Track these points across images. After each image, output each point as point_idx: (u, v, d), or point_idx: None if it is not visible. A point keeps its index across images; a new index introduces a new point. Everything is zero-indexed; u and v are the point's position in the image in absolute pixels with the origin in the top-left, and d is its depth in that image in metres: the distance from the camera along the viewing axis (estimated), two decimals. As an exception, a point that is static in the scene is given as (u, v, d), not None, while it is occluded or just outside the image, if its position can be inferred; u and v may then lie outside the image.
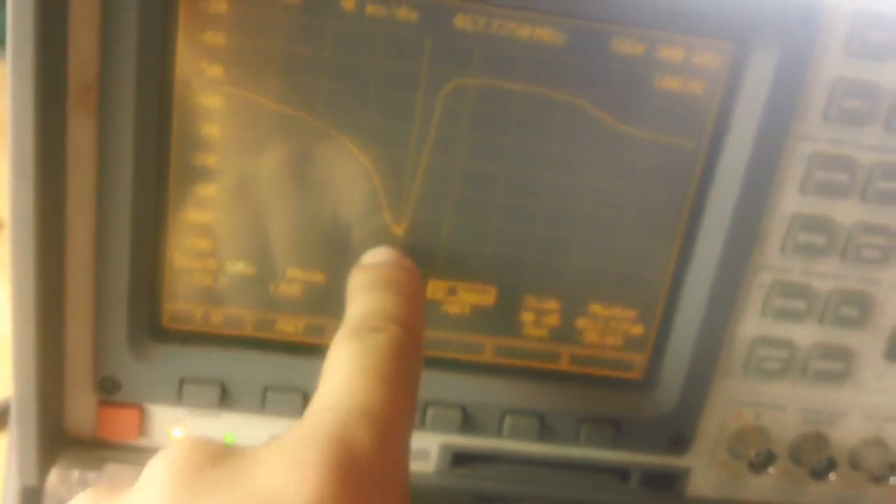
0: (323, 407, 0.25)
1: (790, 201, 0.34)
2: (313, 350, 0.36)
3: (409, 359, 0.27)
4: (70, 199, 0.33)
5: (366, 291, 0.30)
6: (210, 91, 0.32)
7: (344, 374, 0.25)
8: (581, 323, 0.37)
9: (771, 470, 0.38)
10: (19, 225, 0.31)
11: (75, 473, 0.49)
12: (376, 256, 0.33)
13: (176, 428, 0.37)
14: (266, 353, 0.36)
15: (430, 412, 0.36)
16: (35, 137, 0.30)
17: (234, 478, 0.22)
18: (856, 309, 0.36)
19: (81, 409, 0.36)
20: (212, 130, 0.33)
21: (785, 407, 0.38)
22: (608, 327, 0.37)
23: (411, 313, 0.29)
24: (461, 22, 0.32)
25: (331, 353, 0.27)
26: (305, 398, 0.36)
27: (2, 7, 0.33)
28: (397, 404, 0.25)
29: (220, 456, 0.23)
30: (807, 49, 0.32)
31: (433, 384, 0.36)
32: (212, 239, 0.34)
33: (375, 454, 0.23)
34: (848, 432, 0.39)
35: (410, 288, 0.31)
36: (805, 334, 0.37)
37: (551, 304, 0.36)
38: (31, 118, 0.30)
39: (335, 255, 0.35)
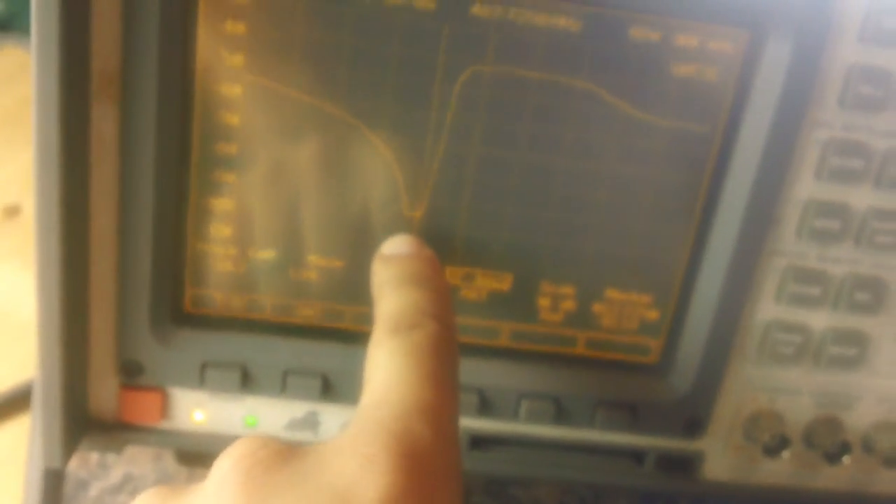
0: (377, 403, 0.25)
1: (805, 187, 0.35)
2: (332, 334, 0.37)
3: (450, 351, 0.28)
4: (94, 187, 0.33)
5: (395, 287, 0.30)
6: (231, 79, 0.33)
7: (392, 373, 0.26)
8: (597, 308, 0.37)
9: (785, 454, 0.38)
10: (45, 212, 0.32)
11: (95, 455, 0.50)
12: (398, 247, 0.33)
13: (198, 411, 0.37)
14: (286, 338, 0.36)
15: (448, 396, 0.37)
16: (60, 127, 0.31)
17: (304, 475, 0.22)
18: (870, 294, 0.36)
19: (104, 392, 0.37)
20: (232, 118, 0.33)
21: (799, 391, 0.38)
22: (624, 312, 0.37)
23: (443, 306, 0.30)
24: (478, 9, 0.32)
25: (374, 352, 0.28)
26: (325, 381, 0.36)
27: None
28: (446, 398, 0.26)
29: (286, 454, 0.23)
30: (821, 36, 0.32)
31: (450, 368, 0.37)
32: (233, 225, 0.35)
33: (434, 446, 0.24)
34: (862, 416, 0.39)
35: (436, 280, 0.31)
36: (819, 319, 0.37)
37: (567, 290, 0.37)
38: (56, 108, 0.30)
39: (354, 242, 0.36)
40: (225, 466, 0.23)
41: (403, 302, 0.29)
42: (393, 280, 0.31)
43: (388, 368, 0.26)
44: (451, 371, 0.27)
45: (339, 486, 0.22)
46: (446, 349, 0.28)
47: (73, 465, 0.49)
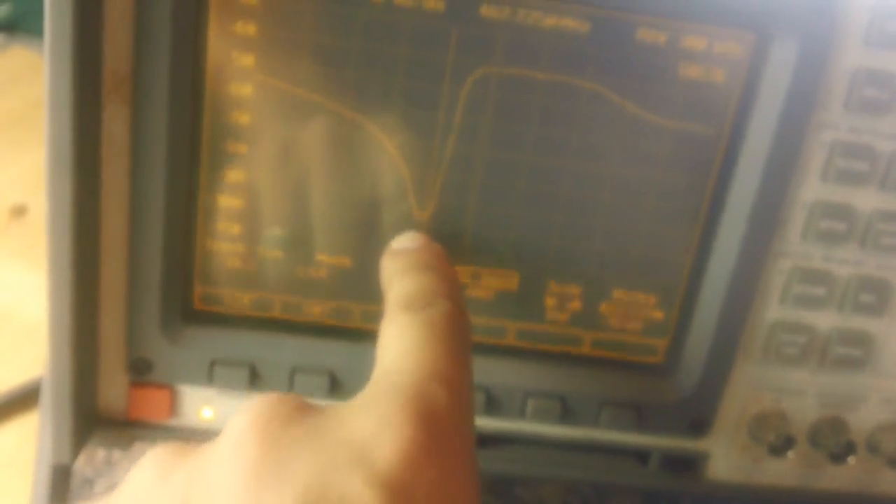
0: (394, 371, 0.25)
1: (811, 189, 0.35)
2: (340, 332, 0.37)
3: (463, 328, 0.28)
4: (105, 187, 0.34)
5: (405, 274, 0.31)
6: (241, 80, 0.33)
7: (407, 344, 0.26)
8: (603, 308, 0.37)
9: (790, 454, 0.38)
10: (57, 212, 0.32)
11: (101, 453, 0.50)
12: (406, 242, 0.34)
13: (206, 408, 0.38)
14: (294, 336, 0.37)
15: (454, 395, 0.37)
16: (72, 127, 0.31)
17: (320, 430, 0.22)
18: (875, 295, 0.36)
19: (114, 389, 0.37)
20: (243, 118, 0.34)
21: (804, 392, 0.38)
22: (630, 312, 0.38)
23: (454, 289, 0.30)
24: (487, 11, 0.33)
25: (387, 329, 0.28)
26: (332, 379, 0.36)
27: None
28: (461, 368, 0.26)
29: (302, 411, 0.23)
30: (827, 39, 0.32)
31: (457, 367, 0.37)
32: (242, 224, 0.35)
33: (450, 409, 0.24)
34: (866, 417, 0.39)
35: (446, 268, 0.32)
36: (825, 320, 0.37)
37: (574, 290, 0.37)
38: (69, 109, 0.31)
39: (362, 241, 0.36)
40: (241, 424, 0.23)
41: (415, 284, 0.29)
42: (403, 269, 0.31)
43: (402, 340, 0.26)
44: (464, 346, 0.28)
45: (356, 442, 0.22)
46: (460, 326, 0.28)
47: (79, 462, 0.49)
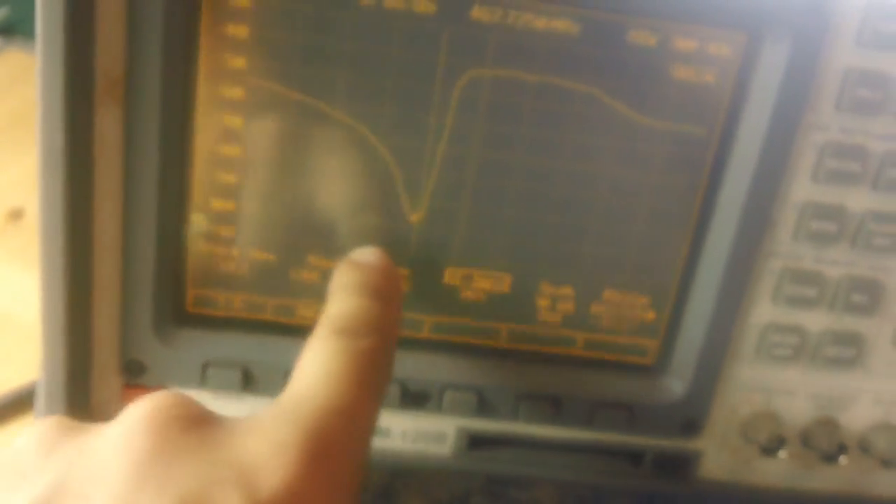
0: (304, 396, 0.25)
1: (802, 189, 0.35)
2: (333, 335, 0.37)
3: (385, 367, 0.29)
4: (97, 189, 0.34)
5: (353, 292, 0.31)
6: (233, 82, 0.33)
7: (326, 371, 0.26)
8: (595, 309, 0.38)
9: (782, 454, 0.38)
10: (49, 214, 0.32)
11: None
12: (367, 256, 0.34)
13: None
14: (287, 338, 0.37)
15: (447, 396, 0.37)
16: (64, 129, 0.31)
17: (213, 444, 0.22)
18: (866, 296, 0.36)
19: (107, 391, 0.37)
20: (235, 121, 0.34)
21: (796, 392, 0.38)
22: (622, 313, 0.38)
23: (392, 324, 0.30)
24: (478, 13, 0.33)
25: (314, 345, 0.28)
26: (325, 382, 0.37)
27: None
28: (370, 407, 0.27)
29: (200, 419, 0.23)
30: (819, 40, 0.32)
31: (450, 369, 0.37)
32: (234, 226, 0.35)
33: (347, 448, 0.24)
34: (858, 417, 0.39)
35: (394, 299, 0.32)
36: (816, 321, 0.37)
37: (566, 291, 0.37)
38: (61, 111, 0.31)
39: (354, 243, 0.36)
40: (137, 414, 0.23)
41: (356, 309, 0.30)
42: (353, 285, 0.31)
43: (323, 365, 0.27)
44: (382, 385, 0.28)
45: (244, 464, 0.22)
46: (383, 364, 0.29)
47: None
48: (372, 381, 0.27)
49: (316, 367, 0.27)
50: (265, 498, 0.21)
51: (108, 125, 0.33)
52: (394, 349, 0.30)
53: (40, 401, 0.36)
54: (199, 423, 0.23)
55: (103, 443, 0.23)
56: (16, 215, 0.67)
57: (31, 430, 0.24)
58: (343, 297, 0.31)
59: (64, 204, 0.32)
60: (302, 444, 0.23)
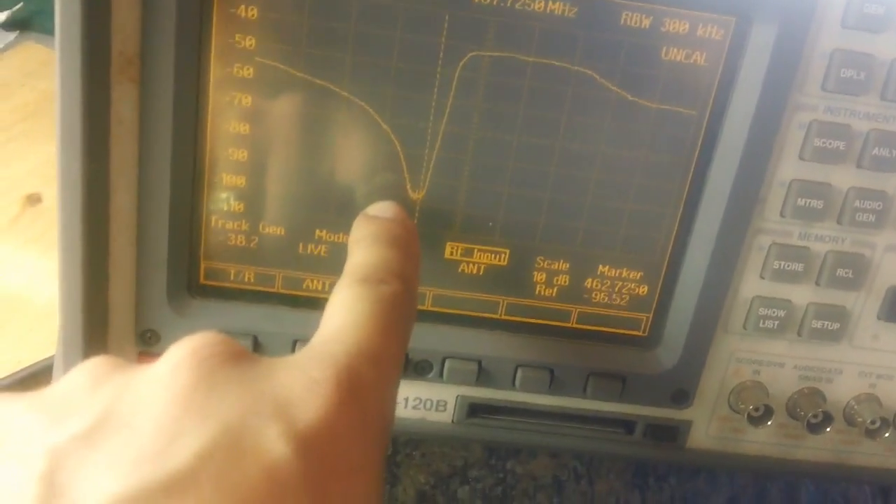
0: (334, 339, 0.27)
1: (789, 167, 0.36)
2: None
3: (408, 312, 0.30)
4: (113, 165, 0.35)
5: (372, 243, 0.32)
6: (244, 62, 0.35)
7: (353, 316, 0.28)
8: (589, 283, 0.39)
9: (769, 424, 0.39)
10: (68, 190, 0.34)
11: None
12: (382, 210, 0.35)
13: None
14: (295, 309, 0.38)
15: (448, 365, 0.39)
16: (82, 107, 0.32)
17: (251, 378, 0.24)
18: (851, 270, 0.38)
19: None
20: (245, 99, 0.35)
21: (783, 364, 0.40)
22: (615, 287, 0.39)
23: (412, 270, 0.31)
24: (478, -4, 0.34)
25: (339, 294, 0.29)
26: (331, 351, 0.38)
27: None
28: (396, 351, 0.28)
29: (239, 356, 0.24)
30: (805, 22, 0.34)
31: (451, 339, 0.39)
32: (245, 201, 0.37)
33: (375, 389, 0.25)
34: (843, 389, 0.40)
35: (411, 246, 0.33)
36: (802, 295, 0.38)
37: (561, 266, 0.39)
38: (79, 89, 0.32)
39: (359, 218, 0.37)
40: (180, 353, 0.24)
41: (377, 258, 0.31)
42: (371, 236, 0.32)
43: (350, 311, 0.28)
44: (405, 330, 0.29)
45: (280, 397, 0.23)
46: (406, 309, 0.29)
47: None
48: (396, 326, 0.28)
49: (343, 312, 0.28)
50: (301, 429, 0.22)
51: (123, 103, 0.34)
52: (416, 296, 0.31)
53: (59, 368, 0.38)
54: (238, 359, 0.24)
55: (148, 377, 0.24)
56: (34, 201, 0.69)
57: (80, 366, 0.25)
58: (363, 247, 0.32)
59: (82, 180, 0.33)
60: (334, 381, 0.24)
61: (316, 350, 0.26)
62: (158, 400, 0.23)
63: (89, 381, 0.24)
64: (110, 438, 0.22)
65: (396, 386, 0.28)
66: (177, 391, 0.23)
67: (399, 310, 0.29)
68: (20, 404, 0.24)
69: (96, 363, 0.25)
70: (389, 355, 0.27)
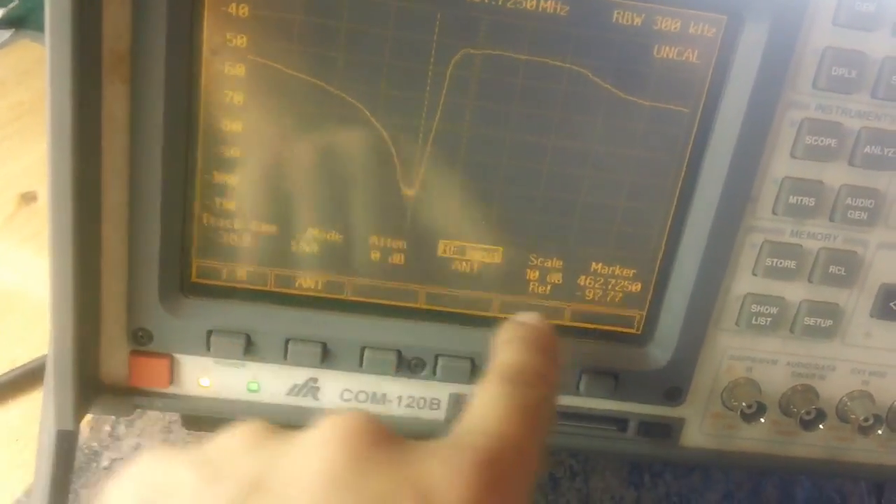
0: (477, 431, 0.28)
1: (781, 165, 0.36)
2: (331, 304, 0.39)
3: (550, 415, 0.31)
4: (105, 163, 0.35)
5: (521, 345, 0.33)
6: (235, 60, 0.34)
7: (498, 412, 0.29)
8: (583, 281, 0.39)
9: (762, 421, 0.39)
10: (58, 187, 0.33)
11: (106, 427, 0.52)
12: (531, 318, 0.36)
13: (203, 377, 0.39)
14: (288, 307, 0.38)
15: (441, 363, 0.39)
16: (73, 104, 0.32)
17: (397, 461, 0.25)
18: (843, 268, 0.38)
19: (115, 358, 0.39)
20: (237, 97, 0.35)
21: (776, 361, 0.40)
22: (608, 285, 0.39)
23: (557, 377, 0.33)
24: (470, -6, 0.34)
25: (487, 390, 0.30)
26: (325, 349, 0.38)
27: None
28: (536, 450, 0.29)
29: (384, 438, 0.26)
30: (797, 20, 0.34)
31: (444, 337, 0.39)
32: (237, 200, 0.37)
33: (515, 483, 0.26)
34: (836, 386, 0.41)
35: (557, 354, 0.34)
36: (795, 292, 0.38)
37: (555, 263, 0.39)
38: (69, 87, 0.32)
39: (351, 216, 0.37)
40: (330, 427, 0.25)
41: (525, 361, 0.32)
42: (520, 339, 0.33)
43: (495, 407, 0.29)
44: (546, 431, 0.30)
45: (423, 483, 0.24)
46: (549, 413, 0.31)
47: (86, 436, 0.51)
48: (538, 426, 0.29)
49: (488, 407, 0.29)
50: None
51: (114, 101, 0.34)
52: (556, 401, 0.33)
53: (50, 367, 0.38)
54: (384, 441, 0.26)
55: (301, 448, 0.25)
56: (28, 199, 0.69)
57: (234, 428, 0.27)
58: (513, 349, 0.33)
59: (73, 178, 0.33)
60: (475, 470, 0.25)
61: (460, 440, 0.27)
62: (312, 473, 0.24)
63: (243, 445, 0.26)
64: None
65: (534, 483, 0.28)
66: (329, 466, 0.24)
67: (542, 412, 0.30)
68: (179, 460, 0.26)
69: (250, 427, 0.27)
70: (530, 453, 0.28)
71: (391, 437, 0.26)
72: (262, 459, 0.25)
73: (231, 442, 0.27)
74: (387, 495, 0.24)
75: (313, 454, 0.25)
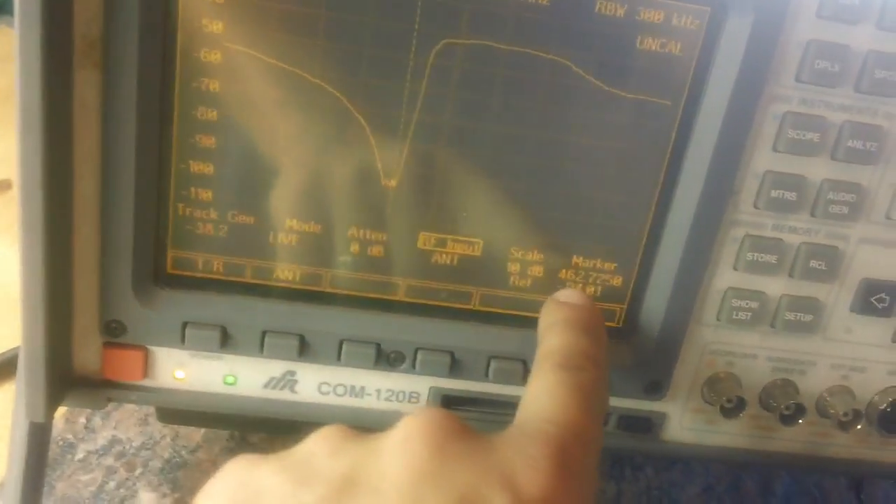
0: (542, 419, 0.29)
1: (763, 159, 0.36)
2: (309, 297, 0.38)
3: (605, 395, 0.32)
4: (76, 152, 0.34)
5: (565, 328, 0.34)
6: (211, 46, 0.34)
7: (557, 400, 0.30)
8: (564, 274, 0.39)
9: (743, 415, 0.39)
10: (28, 176, 0.33)
11: (81, 420, 0.51)
12: (571, 297, 0.36)
13: (178, 369, 0.39)
14: (264, 300, 0.38)
15: (421, 356, 0.38)
16: (42, 91, 0.31)
17: (478, 452, 0.26)
18: (824, 263, 0.38)
19: (89, 350, 0.38)
20: (213, 84, 0.34)
21: (756, 356, 0.40)
22: (589, 278, 0.39)
23: (605, 356, 0.33)
24: (451, -18, 0.33)
25: (541, 378, 0.31)
26: (302, 342, 0.38)
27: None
28: (597, 432, 0.30)
29: (462, 431, 0.27)
30: (780, 12, 0.33)
31: (424, 330, 0.38)
32: (213, 189, 0.36)
33: (584, 464, 0.28)
34: (816, 381, 0.41)
35: (602, 333, 0.35)
36: (776, 286, 0.38)
37: (535, 256, 0.38)
38: (39, 73, 0.31)
39: (330, 207, 0.37)
40: (412, 426, 0.26)
41: (572, 344, 0.33)
42: (563, 322, 0.34)
43: (553, 395, 0.30)
44: (603, 412, 0.32)
45: (505, 470, 0.26)
46: (603, 393, 0.32)
47: (60, 428, 0.50)
48: (596, 408, 0.31)
49: (546, 396, 0.30)
50: (526, 499, 0.25)
51: (86, 88, 0.33)
52: (608, 380, 0.33)
53: (22, 359, 0.37)
54: (463, 434, 0.27)
55: (386, 446, 0.26)
56: (3, 187, 0.68)
57: (317, 433, 0.28)
58: (557, 332, 0.33)
59: (43, 166, 0.32)
60: (550, 457, 0.26)
61: (528, 428, 0.28)
62: (398, 468, 0.25)
63: (328, 448, 0.27)
64: (359, 502, 0.25)
65: (598, 460, 0.30)
66: (414, 461, 0.25)
67: (597, 394, 0.31)
68: (268, 466, 0.27)
69: (333, 430, 0.28)
70: (594, 435, 0.29)
71: (468, 431, 0.27)
72: (348, 459, 0.26)
73: (315, 446, 0.27)
74: (474, 484, 0.25)
75: (399, 450, 0.26)
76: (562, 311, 0.35)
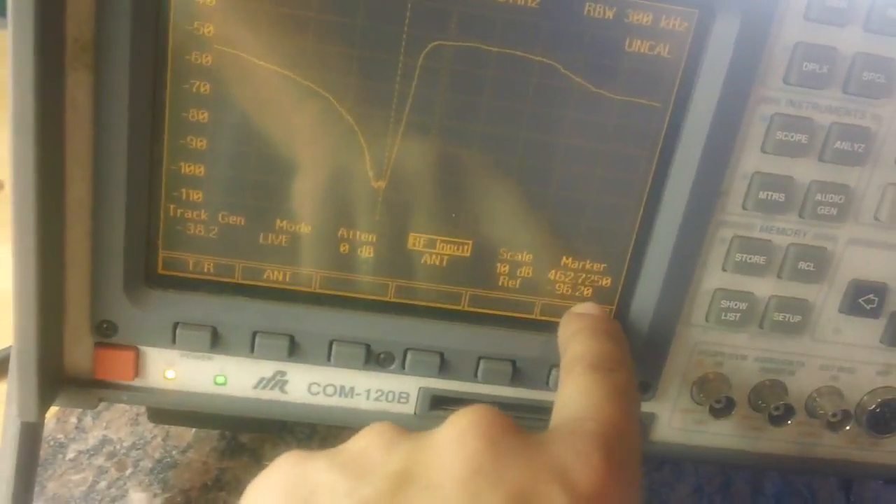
0: (584, 418, 0.29)
1: (751, 160, 0.36)
2: (299, 297, 0.38)
3: (637, 396, 0.33)
4: (68, 153, 0.35)
5: (590, 335, 0.35)
6: (202, 49, 0.34)
7: (594, 400, 0.30)
8: (553, 275, 0.39)
9: (732, 416, 0.40)
10: (20, 178, 0.33)
11: (72, 420, 0.51)
12: (588, 308, 0.38)
13: (169, 370, 0.39)
14: (255, 300, 0.38)
15: (410, 357, 0.38)
16: (35, 93, 0.32)
17: (530, 448, 0.27)
18: (813, 264, 0.38)
19: (80, 350, 0.38)
20: (204, 86, 0.35)
21: (745, 356, 0.40)
22: (578, 280, 0.39)
23: (629, 359, 0.34)
24: (441, -16, 0.34)
25: (576, 379, 0.32)
26: (292, 342, 0.38)
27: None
28: (636, 430, 0.31)
29: (512, 428, 0.27)
30: (768, 15, 0.34)
31: (413, 331, 0.38)
32: (204, 190, 0.36)
33: (628, 460, 0.29)
34: (805, 382, 0.41)
35: (623, 339, 0.36)
36: (764, 287, 0.38)
37: (525, 257, 0.38)
38: (31, 75, 0.31)
39: (320, 208, 0.37)
40: (464, 422, 0.27)
41: (601, 349, 0.34)
42: (587, 330, 0.35)
43: (590, 395, 0.31)
44: (637, 410, 0.33)
45: (557, 466, 0.26)
46: (635, 394, 0.33)
47: (52, 427, 0.50)
48: (632, 407, 0.31)
49: (583, 397, 0.31)
50: (580, 492, 0.26)
51: (78, 89, 0.34)
52: (636, 382, 0.34)
53: (13, 359, 0.37)
54: (513, 430, 0.27)
55: (439, 441, 0.27)
56: (-3, 186, 0.68)
57: (369, 428, 0.29)
58: (582, 339, 0.34)
59: (35, 167, 0.33)
60: (599, 450, 0.27)
61: (572, 427, 0.29)
62: (452, 462, 0.26)
63: (382, 443, 0.27)
64: (416, 495, 0.25)
65: (640, 456, 0.30)
66: (468, 454, 0.26)
67: (630, 394, 0.32)
68: (321, 462, 0.27)
69: (384, 427, 0.28)
70: (632, 431, 0.30)
71: (517, 427, 0.28)
72: (403, 454, 0.27)
73: (368, 441, 0.28)
74: (529, 480, 0.25)
75: (452, 444, 0.26)
76: (582, 321, 0.36)
